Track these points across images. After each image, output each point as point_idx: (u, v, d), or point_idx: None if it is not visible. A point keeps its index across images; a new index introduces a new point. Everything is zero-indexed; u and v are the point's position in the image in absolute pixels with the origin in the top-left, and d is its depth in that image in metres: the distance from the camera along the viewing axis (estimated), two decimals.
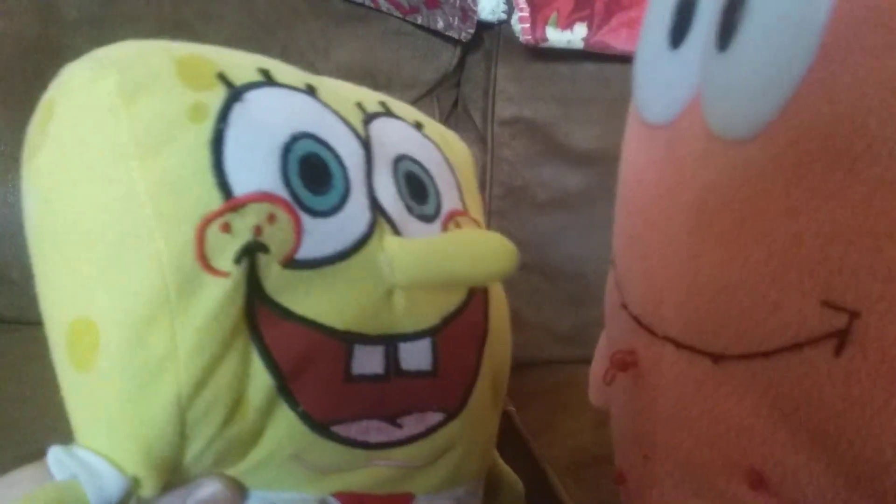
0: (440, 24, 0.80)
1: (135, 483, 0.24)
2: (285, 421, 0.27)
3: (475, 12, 0.80)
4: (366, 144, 0.31)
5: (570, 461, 0.60)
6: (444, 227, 0.34)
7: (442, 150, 0.37)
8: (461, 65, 0.86)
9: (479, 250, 0.30)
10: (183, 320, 0.24)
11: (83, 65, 0.26)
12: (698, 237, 0.26)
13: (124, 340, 0.24)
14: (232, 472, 0.27)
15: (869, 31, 0.20)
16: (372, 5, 0.78)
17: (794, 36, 0.22)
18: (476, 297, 0.34)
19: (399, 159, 0.33)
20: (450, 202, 0.35)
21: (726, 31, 0.25)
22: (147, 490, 0.25)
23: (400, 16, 0.79)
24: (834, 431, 0.22)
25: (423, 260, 0.29)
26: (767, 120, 0.23)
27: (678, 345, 0.28)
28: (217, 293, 0.25)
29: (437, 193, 0.34)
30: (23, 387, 0.51)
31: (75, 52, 0.27)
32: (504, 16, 0.82)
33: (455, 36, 0.81)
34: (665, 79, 0.30)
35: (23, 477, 0.24)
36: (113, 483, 0.24)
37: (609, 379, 0.32)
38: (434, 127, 0.38)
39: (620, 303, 0.33)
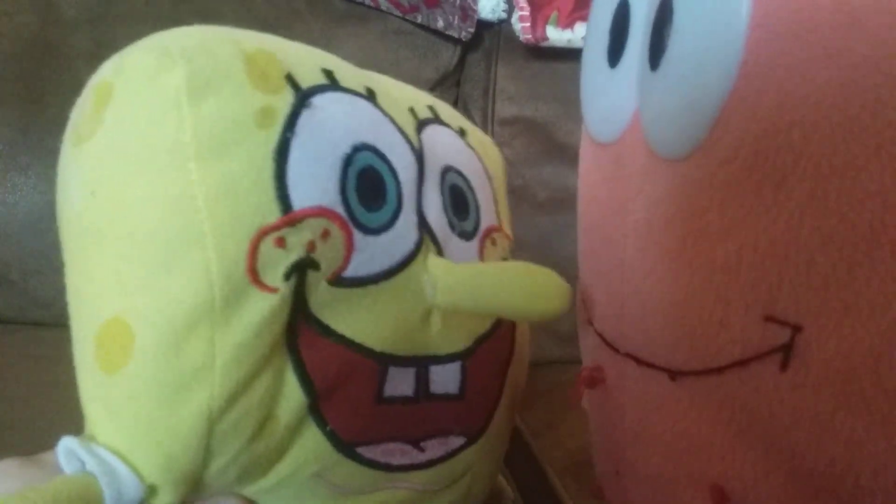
0: (440, 24, 0.79)
1: (151, 491, 0.24)
2: (312, 439, 0.27)
3: (475, 11, 0.80)
4: (419, 157, 0.30)
5: (571, 461, 0.59)
6: (482, 244, 0.34)
7: (482, 159, 0.36)
8: (461, 64, 0.85)
9: (531, 287, 0.29)
10: (224, 333, 0.23)
11: (148, 51, 0.24)
12: (648, 255, 0.26)
13: (161, 347, 0.23)
14: (253, 489, 0.27)
15: (787, 46, 0.20)
16: (371, 4, 0.77)
17: (716, 55, 0.22)
18: (505, 321, 0.34)
19: (446, 171, 0.32)
20: (488, 217, 0.34)
21: (656, 51, 0.25)
22: (163, 499, 0.24)
23: (399, 15, 0.79)
24: (787, 445, 0.22)
25: (471, 287, 0.29)
26: (699, 138, 0.23)
27: (638, 361, 0.27)
28: (263, 309, 0.24)
29: (477, 209, 0.34)
30: (21, 387, 0.51)
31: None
32: (504, 15, 0.82)
33: (455, 35, 0.81)
34: (607, 97, 0.30)
35: (8, 466, 0.24)
36: (131, 488, 0.23)
37: (578, 396, 0.32)
38: (475, 134, 0.37)
39: (586, 318, 0.33)
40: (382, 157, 0.28)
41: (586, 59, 0.32)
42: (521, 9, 0.79)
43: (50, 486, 0.22)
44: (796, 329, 0.21)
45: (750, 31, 0.21)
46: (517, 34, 0.80)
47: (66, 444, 0.24)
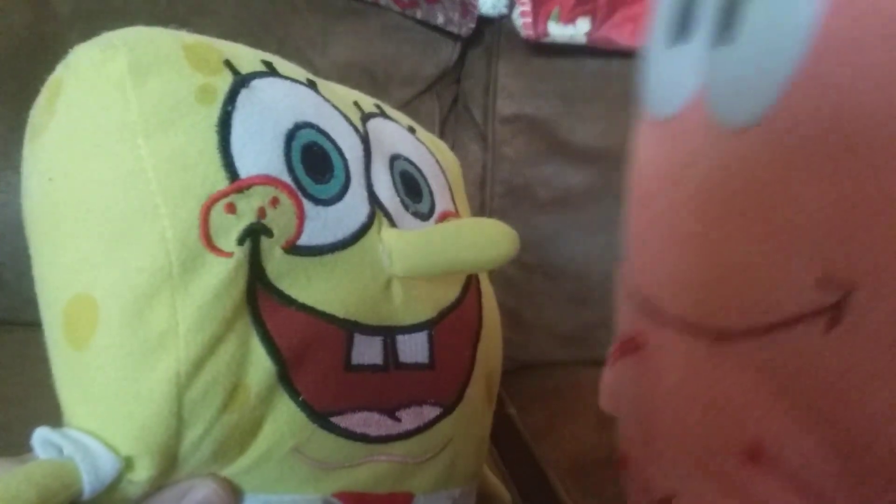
0: (440, 19, 0.79)
1: (128, 464, 0.24)
2: (286, 411, 0.27)
3: (475, 7, 0.80)
4: (364, 140, 0.31)
5: (572, 464, 0.59)
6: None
7: (433, 153, 0.37)
8: (461, 60, 0.85)
9: (479, 236, 0.30)
10: (184, 298, 0.24)
11: (93, 45, 0.26)
12: (704, 220, 0.27)
13: (125, 316, 0.24)
14: (232, 469, 0.27)
15: (866, 12, 0.21)
16: (370, 0, 0.77)
17: (792, 23, 0.23)
18: (470, 293, 0.34)
19: (395, 158, 0.33)
20: (443, 202, 0.35)
21: (728, 23, 0.26)
22: (140, 473, 0.24)
23: (399, 10, 0.78)
24: (827, 405, 0.23)
25: (422, 249, 0.30)
26: (767, 107, 0.24)
27: (682, 325, 0.29)
28: (219, 272, 0.25)
29: (431, 193, 0.35)
30: (16, 388, 0.51)
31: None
32: (505, 10, 0.81)
33: (455, 31, 0.80)
34: (670, 72, 0.31)
35: None
36: (107, 463, 0.23)
37: (613, 361, 0.33)
38: (424, 133, 0.38)
39: (628, 291, 0.34)
40: (326, 135, 0.29)
41: (650, 34, 0.33)
42: (523, 4, 0.78)
43: (22, 469, 0.22)
44: (848, 290, 0.22)
45: (830, 4, 0.21)
46: (518, 30, 0.80)
47: (41, 433, 0.24)
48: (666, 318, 0.30)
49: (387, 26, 0.79)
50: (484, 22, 0.83)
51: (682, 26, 0.30)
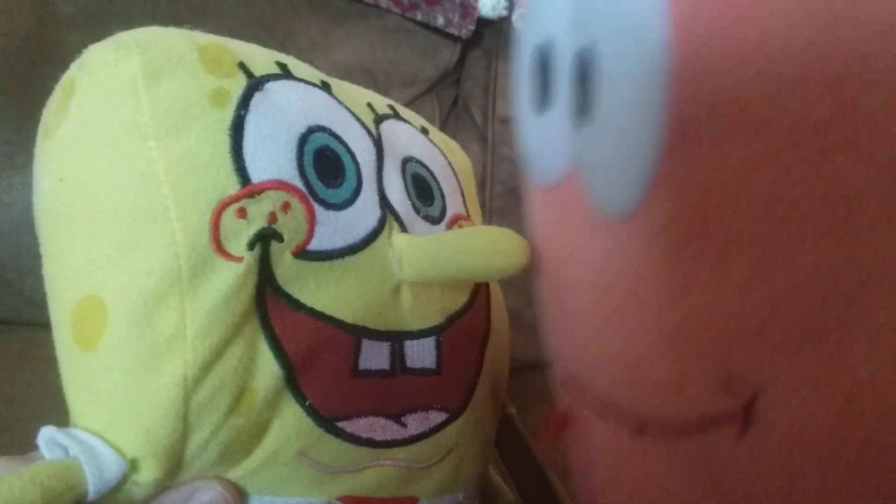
0: (440, 21, 0.79)
1: (133, 466, 0.24)
2: (292, 415, 0.27)
3: (475, 9, 0.80)
4: (377, 143, 0.31)
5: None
6: (449, 230, 0.34)
7: (446, 155, 0.37)
8: (461, 62, 0.85)
9: (490, 245, 0.29)
10: (193, 301, 0.24)
11: (107, 46, 0.26)
12: (598, 311, 0.25)
13: (133, 318, 0.24)
14: (237, 472, 0.27)
15: (716, 106, 0.19)
16: (371, 2, 0.77)
17: (643, 111, 0.20)
18: (479, 299, 0.34)
19: (407, 160, 0.33)
20: (454, 206, 0.35)
21: (582, 105, 0.23)
22: (146, 475, 0.24)
23: (399, 12, 0.78)
24: None
25: (433, 255, 0.29)
26: (637, 199, 0.21)
27: (603, 410, 0.26)
28: (229, 277, 0.25)
29: (443, 196, 0.34)
30: (17, 388, 0.51)
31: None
32: (505, 12, 0.82)
33: (455, 33, 0.80)
34: (541, 140, 0.28)
35: None
36: (112, 464, 0.23)
37: (545, 442, 0.32)
38: (438, 134, 0.38)
39: (553, 363, 0.32)
40: (338, 138, 0.29)
41: (516, 97, 0.30)
42: (522, 6, 0.79)
43: (28, 469, 0.22)
44: (755, 392, 0.20)
45: (673, 91, 0.19)
46: (518, 32, 0.80)
47: (47, 433, 0.24)
48: (590, 398, 0.27)
49: (387, 28, 0.79)
50: (484, 24, 0.83)
51: (541, 96, 0.27)
